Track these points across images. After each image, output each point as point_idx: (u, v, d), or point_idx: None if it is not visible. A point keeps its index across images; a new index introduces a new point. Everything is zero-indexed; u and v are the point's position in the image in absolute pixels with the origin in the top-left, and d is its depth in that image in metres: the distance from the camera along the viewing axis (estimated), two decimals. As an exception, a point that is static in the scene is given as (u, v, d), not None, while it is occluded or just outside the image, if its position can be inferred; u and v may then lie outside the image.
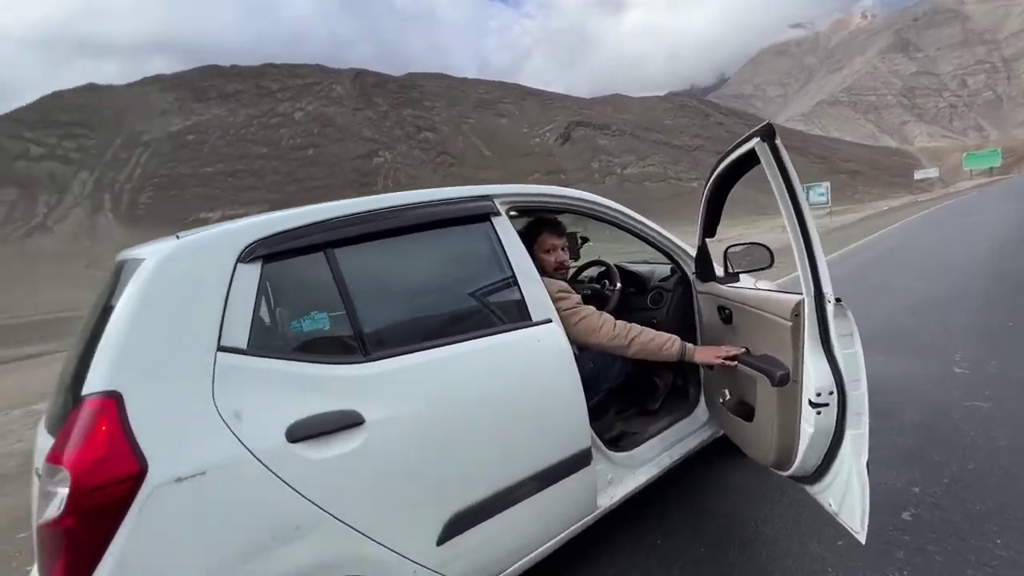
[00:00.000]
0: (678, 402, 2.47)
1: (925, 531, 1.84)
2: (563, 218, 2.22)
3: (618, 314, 2.59)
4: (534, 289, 1.69)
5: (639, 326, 1.90)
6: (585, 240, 2.89)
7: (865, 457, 1.56)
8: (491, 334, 1.55)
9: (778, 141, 1.47)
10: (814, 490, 1.71)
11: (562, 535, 1.67)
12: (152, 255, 1.19)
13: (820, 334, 1.60)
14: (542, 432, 1.58)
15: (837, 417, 1.59)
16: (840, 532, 1.77)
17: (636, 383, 2.42)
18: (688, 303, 2.34)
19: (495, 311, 1.63)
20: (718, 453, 2.33)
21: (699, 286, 2.28)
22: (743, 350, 1.85)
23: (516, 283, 1.66)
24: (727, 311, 2.07)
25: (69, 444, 1.00)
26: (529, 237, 2.02)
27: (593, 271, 2.76)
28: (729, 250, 2.14)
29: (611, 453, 1.90)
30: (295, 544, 1.13)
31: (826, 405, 1.58)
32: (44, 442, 1.21)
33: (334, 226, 1.38)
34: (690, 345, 1.91)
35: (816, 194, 22.60)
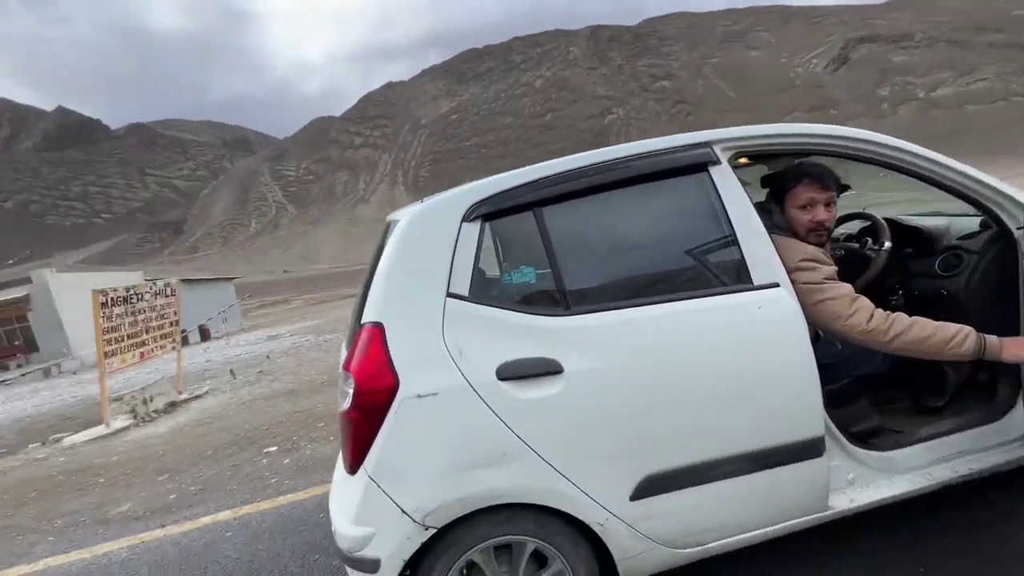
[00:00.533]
0: (977, 402, 1.85)
1: None
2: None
3: (885, 282, 2.05)
4: (759, 248, 1.46)
5: (912, 318, 1.46)
6: (846, 187, 2.32)
7: None
8: (701, 296, 1.42)
9: None
10: None
11: (776, 527, 1.47)
12: (402, 217, 1.48)
13: None
14: (756, 410, 1.40)
15: None
16: None
17: (914, 371, 1.90)
18: (1006, 271, 1.67)
19: (709, 271, 1.48)
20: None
21: (1025, 246, 1.60)
22: None
23: (735, 241, 1.47)
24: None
25: (354, 359, 1.36)
26: (780, 188, 1.72)
27: (854, 226, 2.18)
28: None
29: (855, 449, 1.56)
30: (500, 467, 1.30)
31: None
32: (344, 355, 1.68)
33: (542, 185, 1.46)
34: (994, 338, 1.41)
35: None
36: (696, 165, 1.52)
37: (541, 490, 1.33)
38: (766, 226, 1.51)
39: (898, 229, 2.04)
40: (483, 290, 1.45)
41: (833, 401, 1.76)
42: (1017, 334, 1.63)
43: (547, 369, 1.33)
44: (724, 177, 1.51)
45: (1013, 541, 1.62)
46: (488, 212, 1.43)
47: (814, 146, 1.63)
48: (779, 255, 1.50)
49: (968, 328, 1.44)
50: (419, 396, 1.29)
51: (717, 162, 1.52)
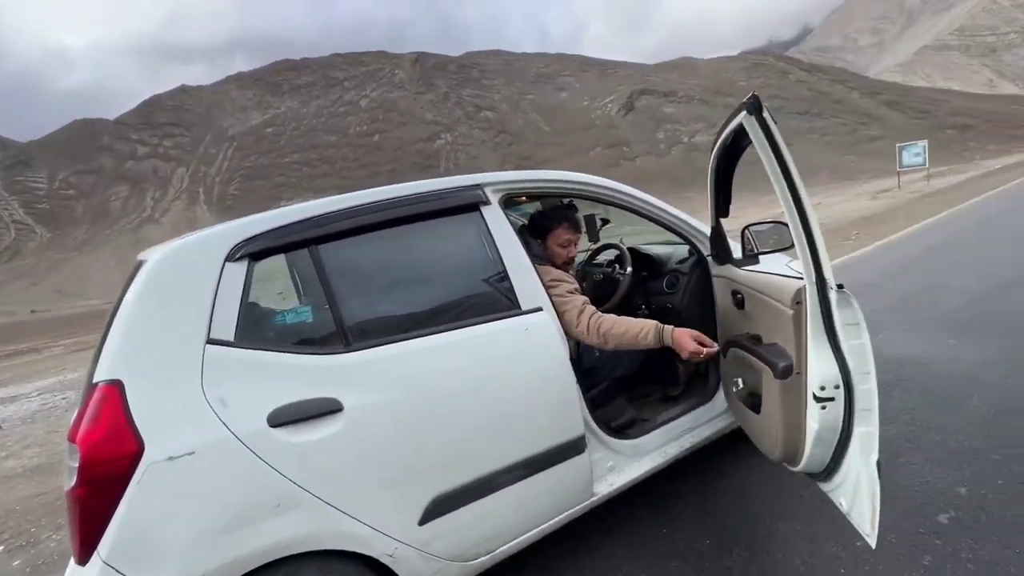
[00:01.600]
0: (700, 389, 2.39)
1: (962, 536, 1.67)
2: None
3: (633, 299, 2.53)
4: (525, 278, 1.68)
5: (615, 317, 1.83)
6: (605, 221, 2.81)
7: (875, 456, 1.44)
8: (476, 324, 1.57)
9: (766, 114, 1.35)
10: (827, 487, 1.61)
11: (554, 520, 1.69)
12: (152, 256, 1.32)
13: (824, 324, 1.49)
14: (528, 420, 1.59)
15: (844, 413, 1.48)
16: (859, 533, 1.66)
17: (658, 368, 2.36)
18: (705, 287, 2.22)
19: (482, 301, 1.65)
20: (736, 445, 2.23)
21: (715, 269, 2.16)
22: (715, 348, 1.79)
23: (505, 273, 1.66)
24: (740, 296, 1.95)
25: (81, 425, 1.15)
26: (544, 226, 2.03)
27: (611, 254, 2.68)
28: (748, 229, 2.00)
29: (612, 440, 1.87)
30: (276, 519, 1.23)
31: (831, 400, 1.48)
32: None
33: (318, 223, 1.46)
34: (669, 327, 1.80)
35: (911, 155, 20.09)
36: (468, 205, 1.69)
37: (323, 534, 1.30)
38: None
39: (638, 256, 2.55)
40: (255, 333, 1.37)
41: (596, 401, 2.09)
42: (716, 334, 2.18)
43: (325, 409, 1.31)
44: (493, 216, 1.71)
45: (730, 489, 2.12)
46: (256, 251, 1.37)
47: (566, 189, 1.95)
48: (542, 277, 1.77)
49: (652, 322, 1.81)
50: (171, 458, 1.15)
51: (487, 203, 1.71)
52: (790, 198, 1.43)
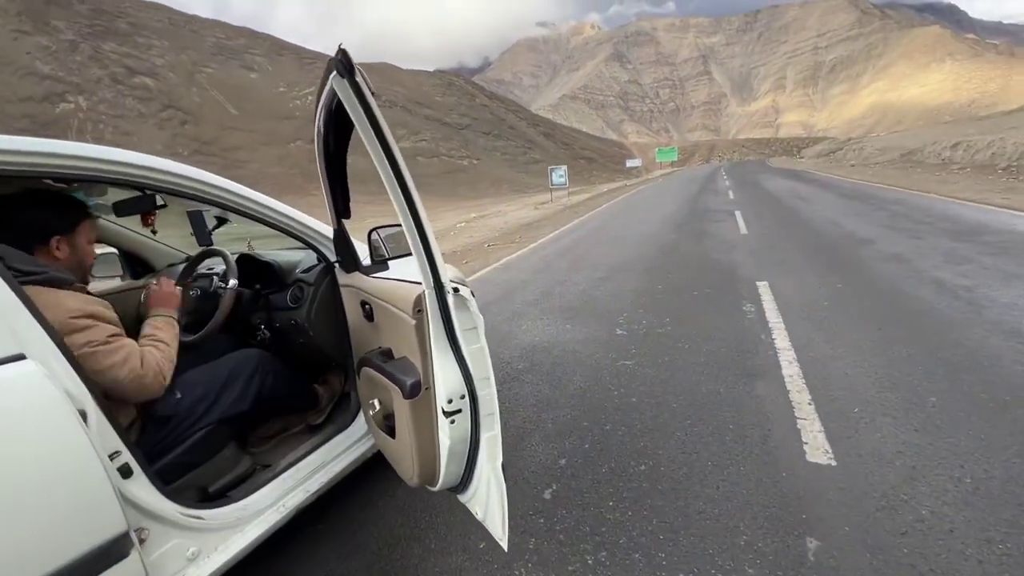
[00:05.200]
0: (342, 414, 2.12)
1: (559, 509, 1.90)
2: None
3: (252, 318, 2.08)
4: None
5: (158, 348, 1.45)
6: (222, 221, 2.23)
7: (499, 460, 1.45)
8: None
9: (359, 78, 1.10)
10: (464, 498, 1.56)
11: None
12: None
13: (445, 330, 1.40)
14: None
15: (472, 422, 1.44)
16: (485, 535, 1.67)
17: (288, 398, 1.95)
18: (336, 298, 1.96)
19: None
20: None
21: (342, 277, 1.92)
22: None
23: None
24: (368, 306, 1.75)
25: None
26: (52, 225, 1.34)
27: (217, 263, 2.13)
28: (375, 232, 1.81)
29: (193, 517, 1.39)
30: None
31: (459, 412, 1.41)
32: None
33: None
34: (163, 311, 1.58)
35: (557, 176, 25.84)
36: None
37: None
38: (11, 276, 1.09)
39: (256, 265, 2.10)
40: None
41: (185, 463, 1.56)
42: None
43: None
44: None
45: (373, 529, 1.90)
46: None
47: (123, 176, 1.33)
48: (42, 312, 1.13)
49: (164, 320, 1.55)
50: None
51: None
52: (399, 189, 1.25)
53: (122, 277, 2.57)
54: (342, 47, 1.08)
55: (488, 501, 1.45)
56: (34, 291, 1.18)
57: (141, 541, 1.26)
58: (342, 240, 1.83)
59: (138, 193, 1.59)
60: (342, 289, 1.92)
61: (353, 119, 1.15)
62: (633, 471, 2.08)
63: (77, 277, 1.37)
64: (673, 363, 3.13)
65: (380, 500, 2.03)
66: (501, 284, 5.88)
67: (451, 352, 1.43)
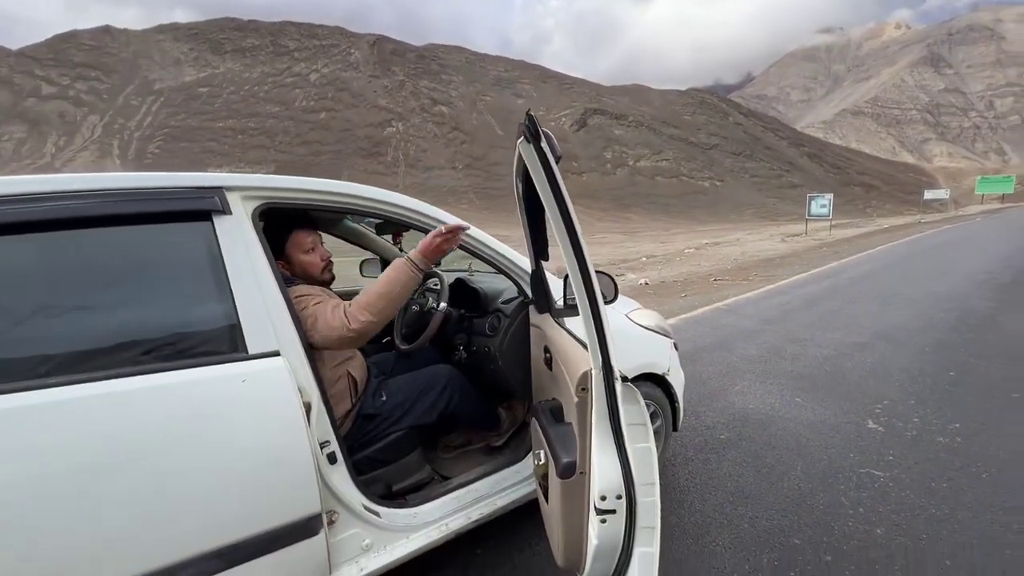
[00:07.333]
0: (519, 443, 2.15)
1: (735, 645, 1.52)
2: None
3: (454, 339, 2.25)
4: (259, 314, 1.34)
5: (364, 295, 1.54)
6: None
7: None
8: (165, 370, 1.20)
9: (544, 144, 1.09)
10: None
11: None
12: None
13: (611, 421, 1.27)
14: (224, 500, 1.24)
15: (626, 529, 1.27)
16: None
17: (471, 415, 2.08)
18: (526, 335, 1.98)
19: (188, 341, 1.27)
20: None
21: (534, 317, 1.92)
22: (461, 224, 1.58)
23: (233, 305, 1.31)
24: (549, 354, 1.71)
25: None
26: (275, 238, 1.68)
27: (435, 283, 2.37)
28: (570, 277, 1.77)
29: (373, 514, 1.56)
30: None
31: (612, 512, 1.26)
32: None
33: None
34: (413, 251, 1.57)
35: (818, 205, 21.89)
36: (194, 212, 1.32)
37: None
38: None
39: (464, 290, 2.28)
40: None
41: (378, 459, 1.78)
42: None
43: None
44: (234, 230, 1.36)
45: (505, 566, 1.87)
46: None
47: (351, 206, 1.62)
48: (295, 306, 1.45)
49: (400, 260, 1.55)
50: None
51: (224, 212, 1.35)
52: (572, 254, 1.19)
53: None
54: (530, 113, 1.07)
55: None
56: (291, 291, 1.50)
57: (331, 523, 1.46)
58: (537, 281, 1.84)
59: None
60: (532, 328, 1.93)
61: (535, 183, 1.12)
62: (857, 639, 1.52)
63: (313, 281, 1.71)
64: (955, 495, 2.23)
65: (537, 546, 1.97)
66: (720, 329, 5.23)
67: (613, 444, 1.27)
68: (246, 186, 1.42)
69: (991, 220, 26.40)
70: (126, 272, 1.26)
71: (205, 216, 1.33)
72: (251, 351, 1.31)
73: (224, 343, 1.29)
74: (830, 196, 21.83)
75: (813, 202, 22.18)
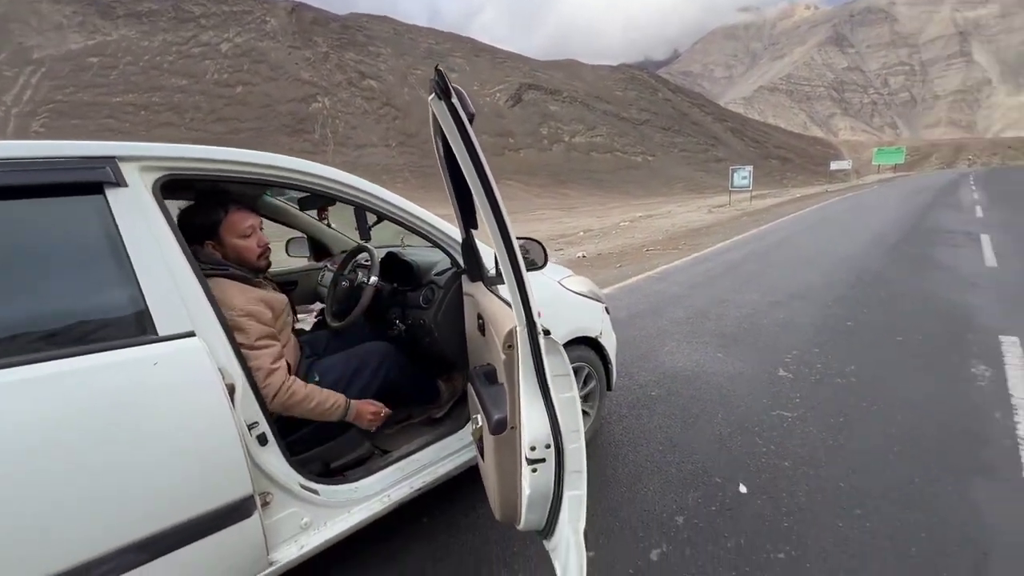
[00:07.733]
0: (460, 412, 2.17)
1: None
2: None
3: (389, 313, 2.22)
4: (168, 292, 1.25)
5: (307, 388, 1.58)
6: (382, 217, 2.45)
7: (582, 524, 1.32)
8: (64, 356, 1.10)
9: (455, 99, 1.07)
10: (548, 546, 1.47)
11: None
12: None
13: (536, 373, 1.31)
14: (145, 489, 1.17)
15: (556, 476, 1.33)
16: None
17: (410, 387, 2.08)
18: (460, 305, 1.99)
19: (91, 324, 1.17)
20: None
21: (467, 285, 1.93)
22: (387, 410, 1.76)
23: (136, 285, 1.21)
24: (482, 320, 1.74)
25: None
26: (204, 222, 1.58)
27: (366, 258, 2.33)
28: (490, 237, 1.78)
29: (309, 491, 1.54)
30: None
31: (542, 461, 1.32)
32: None
33: None
34: (354, 403, 1.69)
35: (739, 177, 23.28)
36: (81, 185, 1.20)
37: None
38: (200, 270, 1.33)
39: (397, 263, 2.25)
40: None
41: (314, 438, 1.75)
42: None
43: None
44: (130, 204, 1.25)
45: (463, 527, 1.92)
46: None
47: (269, 178, 1.53)
48: (221, 300, 1.37)
49: (342, 397, 1.66)
50: None
51: (118, 184, 1.23)
52: (491, 213, 1.20)
53: (308, 258, 3.06)
54: (439, 68, 1.06)
55: (567, 563, 1.32)
56: (214, 282, 1.42)
57: (264, 504, 1.43)
58: (469, 249, 1.84)
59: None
60: (465, 297, 1.94)
61: (449, 140, 1.12)
62: (768, 559, 1.71)
63: (247, 268, 1.62)
64: (850, 427, 2.52)
65: (481, 508, 2.03)
66: (652, 296, 5.50)
67: (540, 396, 1.33)
68: (143, 155, 1.30)
69: (885, 188, 29.31)
70: (5, 253, 1.13)
71: (96, 189, 1.21)
72: (161, 333, 1.23)
73: (130, 326, 1.20)
74: (750, 168, 23.23)
75: (735, 174, 23.51)
